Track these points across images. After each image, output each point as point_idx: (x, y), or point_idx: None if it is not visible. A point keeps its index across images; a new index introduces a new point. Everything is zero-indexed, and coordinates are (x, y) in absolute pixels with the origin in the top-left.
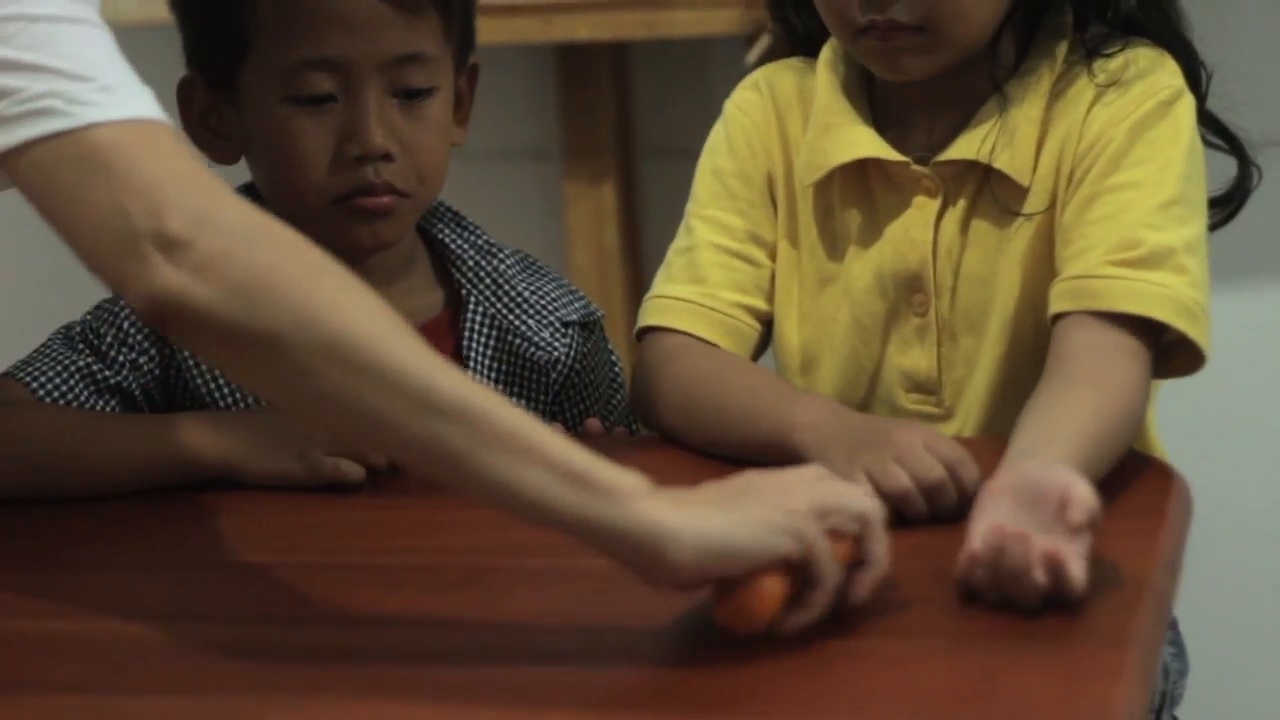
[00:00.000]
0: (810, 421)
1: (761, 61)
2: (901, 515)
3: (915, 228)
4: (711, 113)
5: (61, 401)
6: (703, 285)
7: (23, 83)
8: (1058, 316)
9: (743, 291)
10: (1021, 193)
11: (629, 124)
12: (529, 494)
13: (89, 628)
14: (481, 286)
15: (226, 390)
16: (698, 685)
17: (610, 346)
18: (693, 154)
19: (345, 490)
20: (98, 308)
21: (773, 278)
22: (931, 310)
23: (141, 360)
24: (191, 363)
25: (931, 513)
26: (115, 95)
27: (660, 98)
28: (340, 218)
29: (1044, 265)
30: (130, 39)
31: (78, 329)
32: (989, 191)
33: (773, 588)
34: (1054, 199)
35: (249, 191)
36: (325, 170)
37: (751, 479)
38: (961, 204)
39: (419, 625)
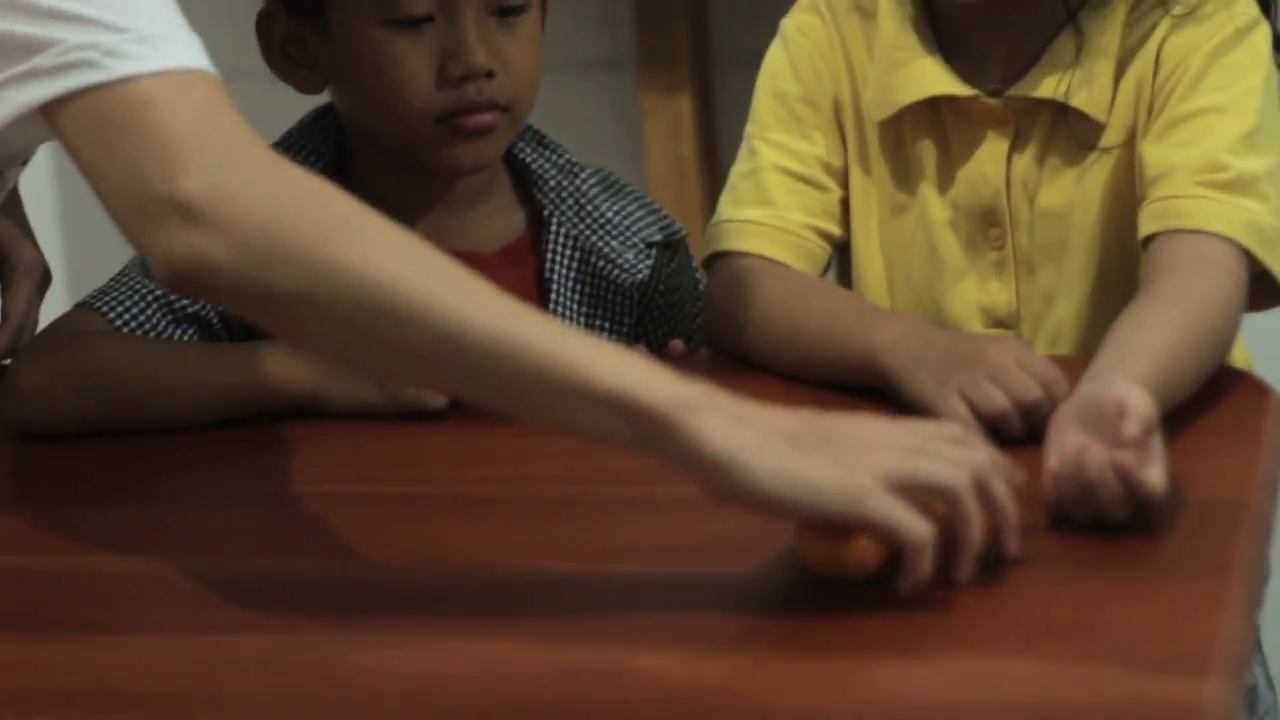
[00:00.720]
0: (895, 341)
1: None
2: (998, 434)
3: (988, 162)
4: None
5: (139, 331)
6: (771, 207)
7: (63, 33)
8: (1148, 240)
9: (813, 214)
10: (1099, 128)
11: (704, 33)
12: (579, 428)
13: (170, 565)
14: (564, 207)
15: None
16: (790, 625)
17: (694, 264)
18: None
19: (428, 418)
20: None
21: (842, 203)
22: (1008, 244)
23: None
24: None
25: (1027, 432)
26: (154, 46)
27: (735, 5)
28: (443, 137)
29: (1123, 196)
30: None
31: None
32: (1065, 127)
33: (869, 546)
34: (1132, 132)
35: (324, 118)
36: (427, 91)
37: (836, 424)
38: (1035, 138)
39: (503, 561)
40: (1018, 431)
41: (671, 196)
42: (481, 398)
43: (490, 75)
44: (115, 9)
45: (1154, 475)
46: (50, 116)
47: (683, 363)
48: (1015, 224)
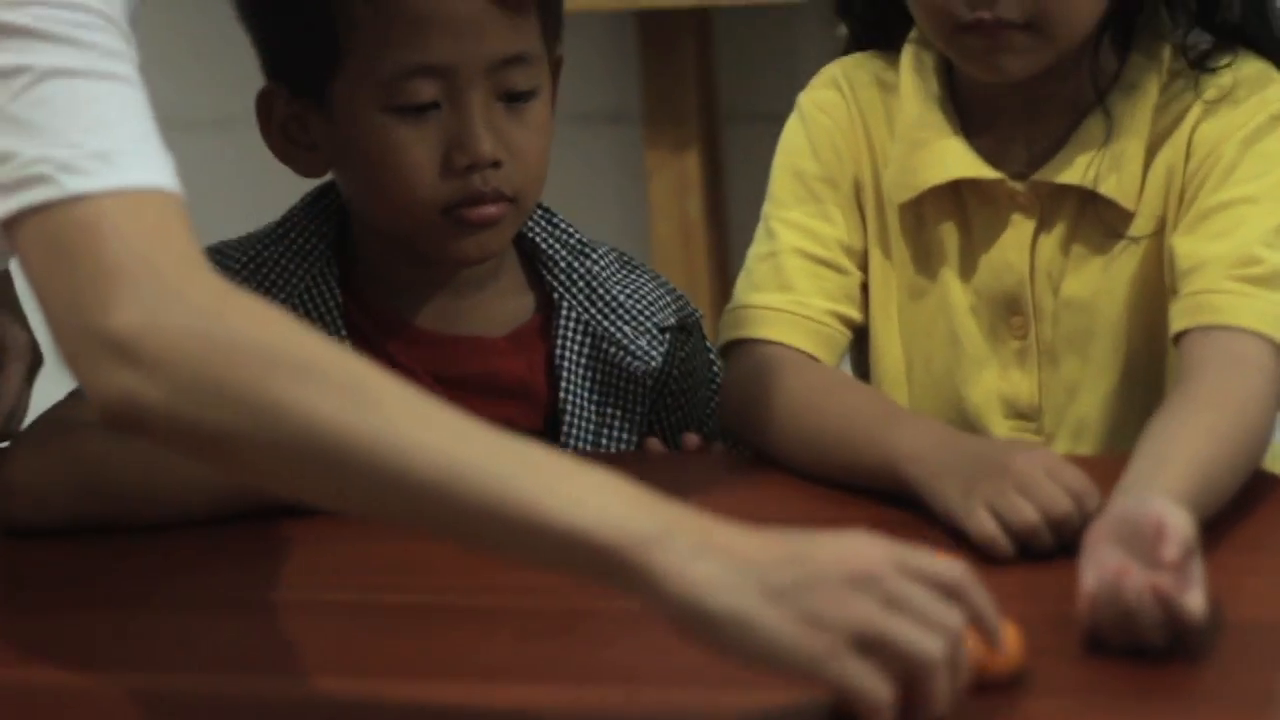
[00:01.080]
0: (918, 451)
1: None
2: (1026, 548)
3: (1011, 249)
4: (797, 77)
5: None
6: (791, 293)
7: (20, 145)
8: (1179, 336)
9: (833, 299)
10: (1127, 216)
11: (712, 87)
12: (538, 562)
13: (157, 684)
14: (574, 290)
15: None
16: None
17: (708, 345)
18: (778, 119)
19: None
20: None
21: (863, 287)
22: (1031, 334)
23: None
24: None
25: (1057, 545)
26: (111, 163)
27: (744, 62)
28: (447, 228)
29: (1151, 287)
30: None
31: None
32: (1092, 214)
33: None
34: (1162, 221)
35: (326, 196)
36: (431, 182)
37: (815, 556)
38: (1061, 224)
39: (515, 687)
40: (1047, 545)
41: (678, 259)
42: (436, 533)
43: (497, 165)
44: (76, 120)
45: (1194, 601)
46: (8, 233)
47: (698, 457)
48: (1039, 313)
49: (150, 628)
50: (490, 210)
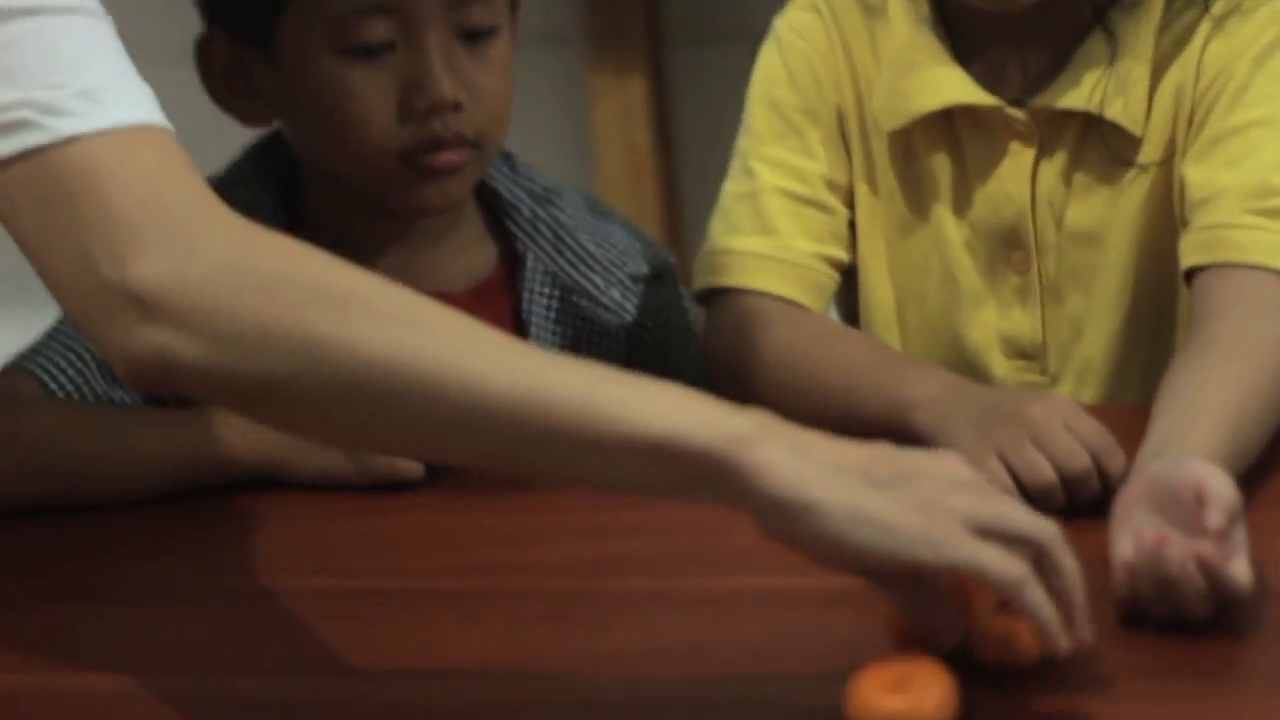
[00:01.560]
0: (927, 397)
1: None
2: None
3: (1010, 179)
4: None
5: (76, 395)
6: (773, 236)
7: None
8: (1191, 272)
9: (819, 240)
10: (1135, 142)
11: (658, 8)
12: (625, 481)
13: (111, 684)
14: (540, 240)
15: None
16: None
17: (681, 291)
18: (728, 41)
19: (402, 491)
20: None
21: (850, 225)
22: (1033, 269)
23: None
24: None
25: (1068, 505)
26: (98, 100)
27: None
28: (406, 176)
29: (1160, 218)
30: None
31: None
32: (1096, 140)
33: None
34: (1171, 147)
35: (272, 147)
36: (387, 127)
37: (912, 460)
38: (1062, 152)
39: (505, 674)
40: (1059, 504)
41: (625, 192)
42: (512, 464)
43: (458, 107)
44: (52, 59)
45: (1240, 570)
46: None
47: None
48: (1041, 247)
49: (111, 623)
50: (451, 156)
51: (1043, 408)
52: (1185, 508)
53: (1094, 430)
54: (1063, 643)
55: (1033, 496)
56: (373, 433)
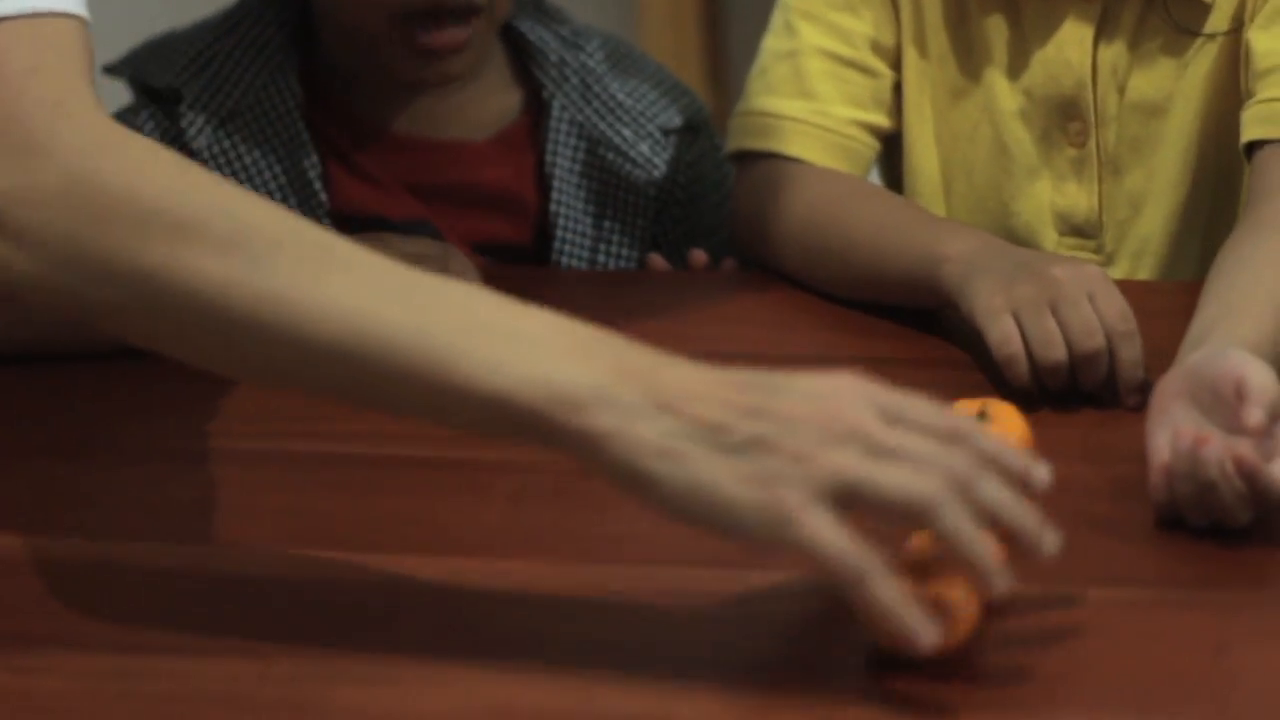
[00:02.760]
0: (960, 252)
1: None
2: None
3: (1070, 45)
4: None
5: None
6: (812, 100)
7: None
8: (1252, 146)
9: (859, 106)
10: (1202, 10)
11: None
12: (460, 426)
13: (102, 553)
14: (567, 87)
15: None
16: (839, 653)
17: (717, 143)
18: None
19: None
20: (118, 116)
21: (895, 89)
22: (1091, 140)
23: None
24: None
25: (1069, 384)
26: None
27: None
28: (403, 44)
29: (1228, 90)
30: None
31: None
32: (1161, 8)
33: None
34: (1241, 15)
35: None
36: None
37: (784, 403)
38: (1126, 19)
39: (510, 565)
40: (1061, 383)
41: (668, 39)
42: (348, 400)
43: None
44: None
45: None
46: None
47: (705, 276)
48: (1100, 117)
49: (99, 482)
50: (454, 33)
51: (1070, 271)
52: (1225, 403)
53: (1117, 309)
54: (998, 582)
55: (1041, 373)
56: (220, 362)
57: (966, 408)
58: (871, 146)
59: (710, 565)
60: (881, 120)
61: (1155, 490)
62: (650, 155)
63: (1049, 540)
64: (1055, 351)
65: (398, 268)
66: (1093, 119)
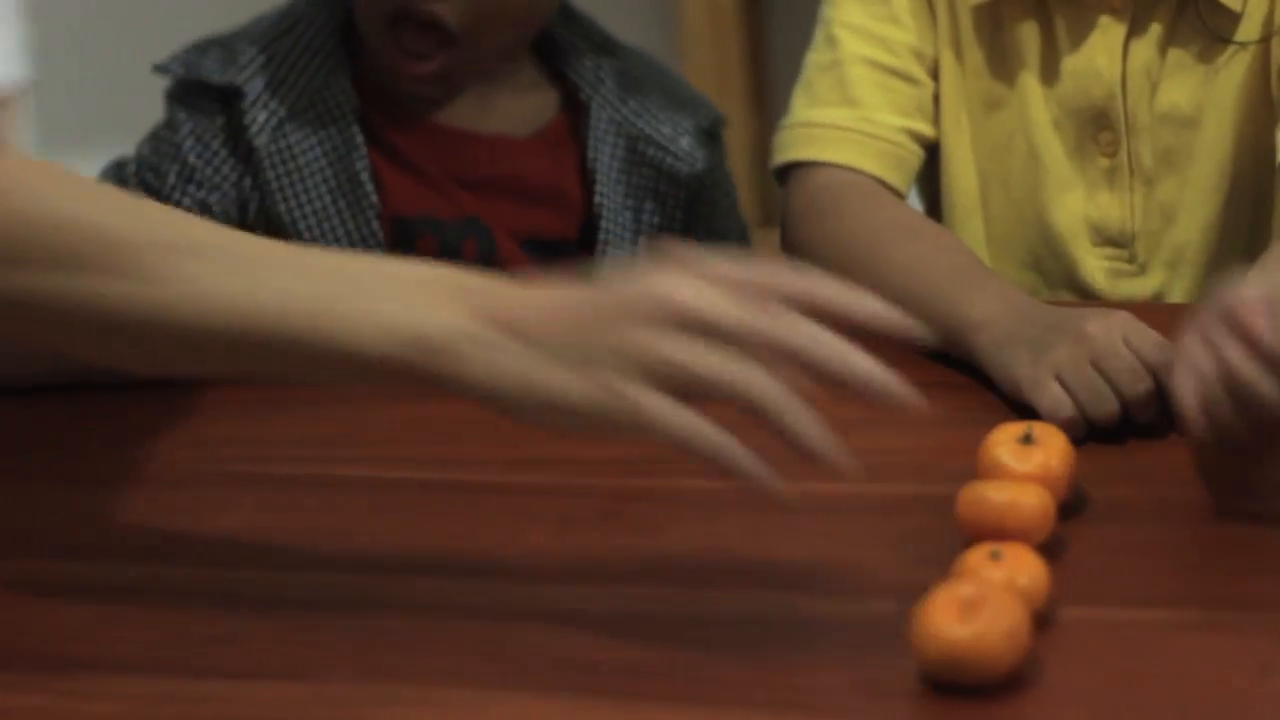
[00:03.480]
0: (987, 318)
1: None
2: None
3: (1100, 54)
4: None
5: None
6: (857, 108)
7: None
8: None
9: (904, 114)
10: (1233, 18)
11: None
12: (350, 383)
13: (147, 574)
14: (603, 89)
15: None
16: (889, 677)
17: (725, 157)
18: None
19: None
20: (153, 137)
21: (935, 98)
22: (1122, 150)
23: (212, 200)
24: (281, 204)
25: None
26: None
27: None
28: (389, 48)
29: (1260, 100)
30: None
31: (131, 167)
32: (1193, 15)
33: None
34: (1271, 23)
35: None
36: None
37: (604, 313)
38: (1156, 27)
39: (559, 586)
40: (1115, 422)
41: (708, 51)
42: (235, 374)
43: None
44: None
45: None
46: None
47: None
48: (1132, 128)
49: (140, 509)
50: (421, 68)
51: (1099, 324)
52: (1230, 323)
53: (1154, 345)
54: (776, 486)
55: (1093, 422)
56: (94, 358)
57: (1011, 431)
58: (917, 154)
59: (758, 589)
60: (925, 128)
61: (1198, 431)
62: (690, 150)
63: (893, 385)
64: (1107, 405)
65: (260, 244)
66: (1123, 129)
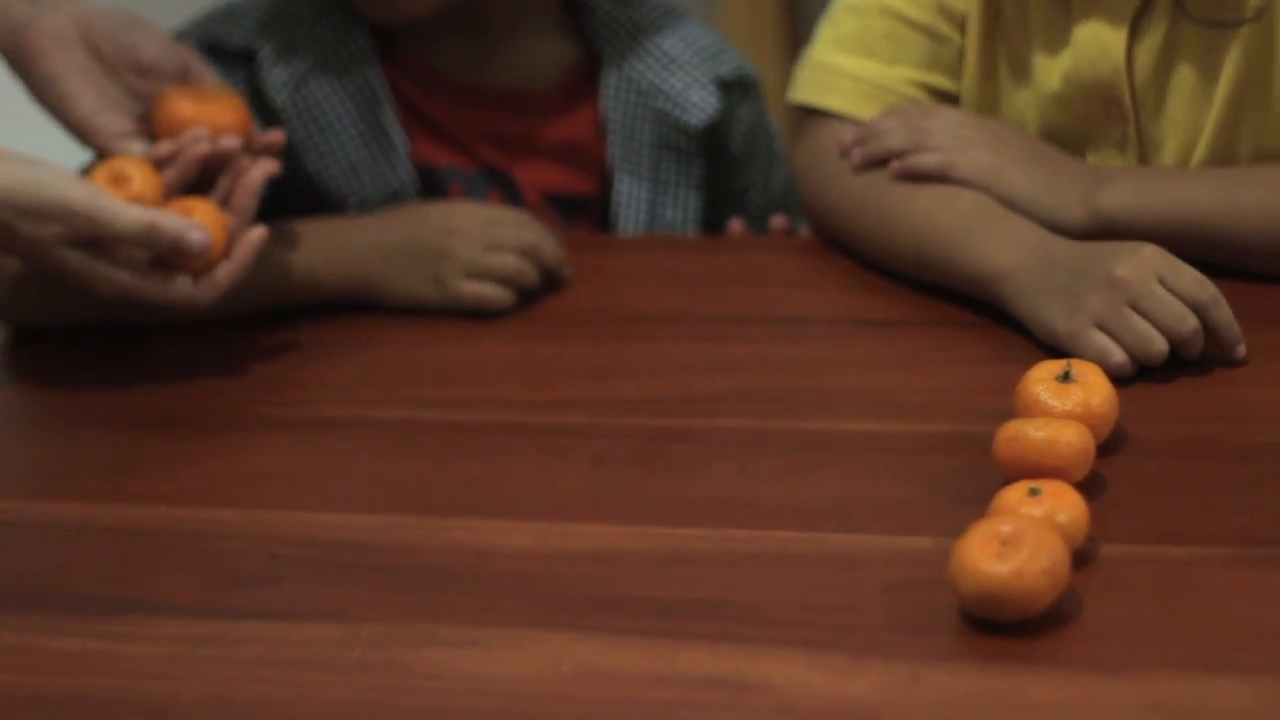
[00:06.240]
0: (1010, 267)
1: None
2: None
3: (1106, 29)
4: None
5: None
6: (876, 60)
7: None
8: None
9: (924, 68)
10: None
11: None
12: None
13: (191, 518)
14: (617, 42)
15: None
16: (945, 626)
17: (768, 117)
18: None
19: (488, 320)
20: None
21: (960, 54)
22: (1131, 125)
23: None
24: (311, 159)
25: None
26: None
27: None
28: None
29: (1267, 77)
30: None
31: None
32: None
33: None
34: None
35: None
36: None
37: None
38: (1163, 2)
39: (594, 525)
40: (1163, 360)
41: (746, 27)
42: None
43: None
44: None
45: None
46: None
47: (782, 243)
48: (1140, 103)
49: (177, 450)
50: None
51: (1133, 266)
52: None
53: (1192, 281)
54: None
55: (1140, 363)
56: None
57: (1049, 369)
58: None
59: (792, 527)
60: (945, 83)
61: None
62: (700, 102)
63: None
64: (1156, 345)
65: None
66: (1130, 105)
